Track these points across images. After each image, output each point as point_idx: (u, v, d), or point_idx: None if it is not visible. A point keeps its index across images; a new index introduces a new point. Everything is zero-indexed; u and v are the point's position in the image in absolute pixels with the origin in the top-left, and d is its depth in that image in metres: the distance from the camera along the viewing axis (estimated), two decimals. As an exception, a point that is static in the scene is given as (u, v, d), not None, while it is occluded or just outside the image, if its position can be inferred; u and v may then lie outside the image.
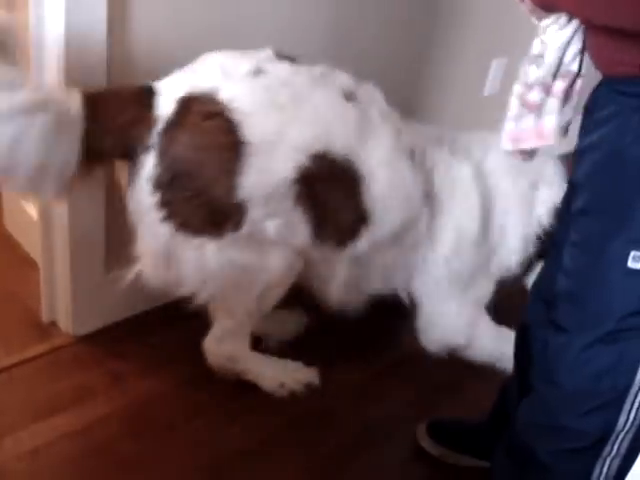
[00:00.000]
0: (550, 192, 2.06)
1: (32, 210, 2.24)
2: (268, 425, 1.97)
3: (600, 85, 1.36)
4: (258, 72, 1.70)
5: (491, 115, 3.17)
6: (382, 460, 1.95)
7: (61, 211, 1.96)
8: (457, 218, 2.00)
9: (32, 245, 2.28)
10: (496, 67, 3.04)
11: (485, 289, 2.14)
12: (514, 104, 1.45)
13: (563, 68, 1.37)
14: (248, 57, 1.73)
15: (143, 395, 1.98)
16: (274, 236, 1.75)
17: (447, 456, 1.95)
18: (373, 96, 1.89)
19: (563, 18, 1.34)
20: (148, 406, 1.95)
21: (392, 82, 2.62)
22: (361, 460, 1.94)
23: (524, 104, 1.42)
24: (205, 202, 1.66)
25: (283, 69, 1.74)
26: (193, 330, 1.98)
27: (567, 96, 1.40)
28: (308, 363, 2.11)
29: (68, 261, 2.02)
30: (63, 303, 2.11)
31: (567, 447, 1.41)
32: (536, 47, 1.38)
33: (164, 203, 1.67)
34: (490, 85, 3.07)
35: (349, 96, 1.81)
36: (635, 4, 1.12)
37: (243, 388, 2.03)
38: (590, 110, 1.37)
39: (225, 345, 1.96)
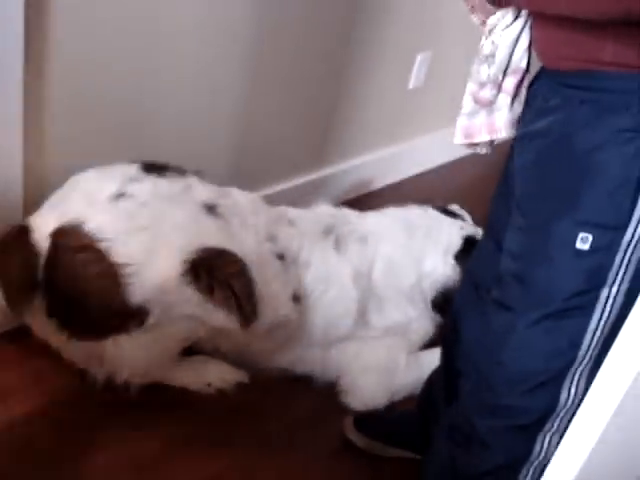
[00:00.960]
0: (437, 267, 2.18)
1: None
2: (192, 421, 1.95)
3: (539, 77, 1.40)
4: (120, 195, 1.80)
5: (417, 108, 3.24)
6: (310, 453, 1.95)
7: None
8: (329, 317, 2.06)
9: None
10: (421, 60, 3.07)
11: (393, 343, 2.17)
12: (467, 101, 1.49)
13: (513, 65, 1.41)
14: (112, 178, 1.84)
15: (64, 394, 1.93)
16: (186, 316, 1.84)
17: (373, 448, 1.96)
18: (236, 205, 1.98)
19: (509, 16, 1.38)
20: (69, 404, 1.90)
21: (317, 78, 2.63)
22: (289, 454, 1.93)
23: (477, 101, 1.46)
24: (100, 317, 1.77)
25: (144, 189, 1.83)
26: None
27: (517, 91, 1.44)
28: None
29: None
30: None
31: (510, 424, 1.44)
32: (487, 47, 1.41)
33: (62, 326, 1.80)
34: (415, 78, 3.10)
35: (210, 209, 1.90)
36: None
37: (166, 385, 2.00)
38: (530, 101, 1.41)
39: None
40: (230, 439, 1.92)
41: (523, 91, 1.44)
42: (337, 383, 2.11)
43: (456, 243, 2.19)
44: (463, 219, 2.36)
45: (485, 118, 1.47)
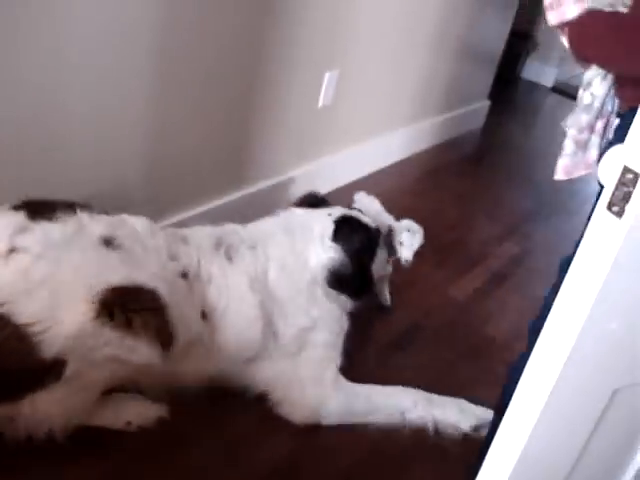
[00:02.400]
0: (320, 254, 2.23)
1: None
2: (120, 459, 1.88)
3: (626, 114, 1.61)
4: (12, 251, 1.73)
5: (327, 126, 3.27)
6: (242, 478, 1.92)
7: None
8: (238, 330, 2.06)
9: None
10: (329, 79, 3.10)
11: (314, 355, 2.18)
12: (569, 145, 1.72)
13: (604, 110, 1.66)
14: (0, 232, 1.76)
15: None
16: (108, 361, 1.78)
17: None
18: (134, 232, 1.98)
19: (602, 70, 1.63)
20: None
21: (226, 97, 2.62)
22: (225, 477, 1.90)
23: (576, 143, 1.70)
24: (14, 379, 1.69)
25: (36, 240, 1.77)
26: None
27: (605, 131, 1.70)
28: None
29: None
30: None
31: None
32: (586, 98, 1.66)
33: None
34: (324, 97, 3.13)
35: (108, 242, 1.88)
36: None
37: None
38: (616, 132, 1.64)
39: None
40: (163, 472, 1.88)
41: (610, 130, 1.68)
42: (270, 397, 2.11)
43: (328, 227, 2.27)
44: (329, 205, 2.46)
45: (582, 157, 1.71)
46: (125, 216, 2.01)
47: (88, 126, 2.16)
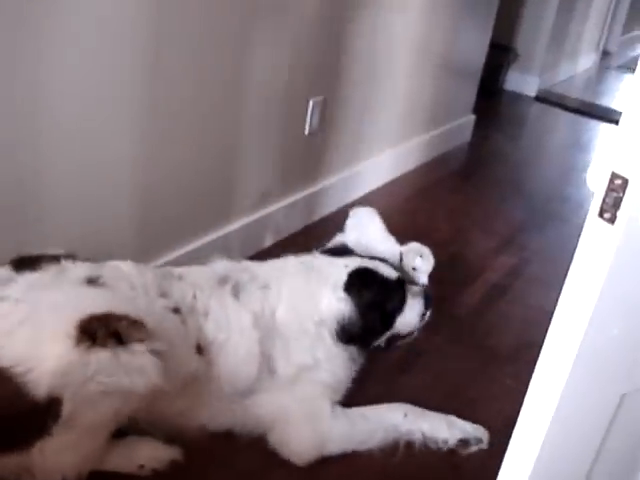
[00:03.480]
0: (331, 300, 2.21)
1: None
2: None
3: None
4: None
5: (314, 152, 3.28)
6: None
7: None
8: (234, 363, 2.05)
9: None
10: (313, 106, 3.12)
11: (313, 390, 2.16)
12: None
13: None
14: None
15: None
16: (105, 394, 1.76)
17: None
18: (119, 271, 1.97)
19: None
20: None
21: (212, 128, 2.63)
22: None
23: None
24: (13, 425, 1.69)
25: (18, 288, 1.80)
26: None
27: None
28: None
29: None
30: None
31: None
32: None
33: None
34: (310, 123, 3.14)
35: (92, 281, 1.89)
36: None
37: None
38: None
39: None
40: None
41: None
42: (267, 438, 2.07)
43: (341, 278, 2.24)
44: (352, 254, 2.42)
45: None
46: (110, 261, 2.00)
47: (72, 171, 2.16)
